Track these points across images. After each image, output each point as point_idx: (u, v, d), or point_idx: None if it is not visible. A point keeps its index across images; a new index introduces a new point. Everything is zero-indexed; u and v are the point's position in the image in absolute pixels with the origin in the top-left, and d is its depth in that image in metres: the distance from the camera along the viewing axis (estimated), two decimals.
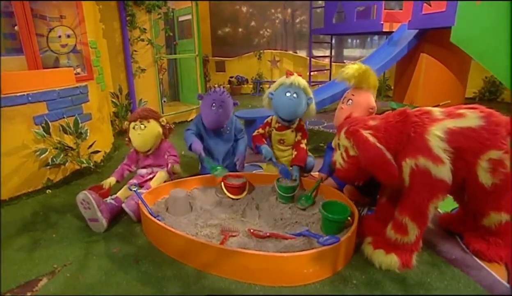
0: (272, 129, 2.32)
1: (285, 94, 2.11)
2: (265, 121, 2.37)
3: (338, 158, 1.60)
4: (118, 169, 2.21)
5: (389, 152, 1.42)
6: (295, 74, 2.15)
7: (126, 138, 2.23)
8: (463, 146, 1.39)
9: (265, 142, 2.31)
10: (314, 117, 2.21)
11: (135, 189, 1.95)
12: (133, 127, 2.14)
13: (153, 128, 2.16)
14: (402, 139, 1.43)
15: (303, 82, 2.13)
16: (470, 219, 1.64)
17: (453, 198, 1.67)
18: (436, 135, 1.39)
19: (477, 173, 1.42)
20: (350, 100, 1.86)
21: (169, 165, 2.24)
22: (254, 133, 2.36)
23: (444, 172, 1.37)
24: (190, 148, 2.29)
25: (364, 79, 1.85)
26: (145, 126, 2.13)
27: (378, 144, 1.42)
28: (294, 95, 2.09)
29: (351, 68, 1.87)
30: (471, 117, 1.43)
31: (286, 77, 2.15)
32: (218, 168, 2.17)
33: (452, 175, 1.39)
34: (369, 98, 1.86)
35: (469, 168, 1.43)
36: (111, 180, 2.12)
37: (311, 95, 2.19)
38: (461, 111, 1.47)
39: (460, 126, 1.42)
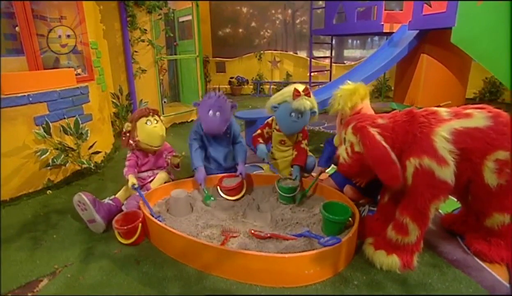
0: (273, 130, 2.30)
1: (290, 114, 2.06)
2: (266, 122, 2.35)
3: (342, 152, 1.58)
4: (127, 169, 2.11)
5: (394, 151, 1.41)
6: (302, 94, 2.02)
7: (135, 139, 2.09)
8: (469, 147, 1.39)
9: (261, 142, 2.30)
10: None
11: (136, 187, 1.95)
12: (146, 123, 2.11)
13: (162, 123, 2.21)
14: (408, 139, 1.43)
15: (309, 104, 2.05)
16: (472, 220, 1.63)
17: (456, 198, 1.66)
18: (442, 136, 1.38)
19: (483, 173, 1.41)
20: None
21: (168, 161, 2.23)
22: (253, 134, 2.36)
23: (447, 173, 1.37)
24: (193, 170, 2.24)
25: (355, 97, 1.83)
26: (157, 121, 2.16)
27: (384, 144, 1.41)
28: (299, 115, 2.07)
29: (342, 98, 1.85)
30: (479, 118, 1.42)
31: (294, 97, 2.03)
32: (211, 198, 2.10)
33: (457, 175, 1.38)
34: (367, 110, 1.85)
35: (474, 168, 1.42)
36: (133, 179, 2.00)
37: (316, 109, 2.13)
38: (468, 111, 1.46)
39: (466, 126, 1.40)
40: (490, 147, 1.38)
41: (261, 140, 2.32)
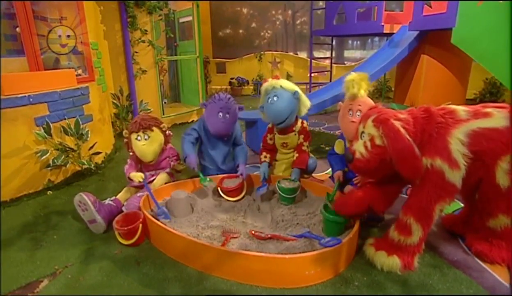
0: (275, 134, 2.29)
1: (268, 101, 2.09)
2: (267, 127, 2.34)
3: (359, 147, 1.49)
4: (128, 167, 2.17)
5: None
6: (270, 79, 2.13)
7: (130, 151, 2.18)
8: (484, 148, 1.37)
9: (265, 160, 2.28)
10: (310, 107, 2.18)
11: (144, 179, 2.01)
12: (136, 139, 2.09)
13: (157, 136, 2.14)
14: (424, 138, 1.41)
15: (277, 82, 2.08)
16: (474, 220, 1.62)
17: (461, 197, 1.65)
18: (458, 139, 1.37)
19: (495, 173, 1.39)
20: (359, 111, 1.83)
21: (171, 164, 2.25)
22: (261, 148, 2.35)
23: (457, 177, 1.36)
24: (185, 160, 2.24)
25: (365, 83, 1.87)
26: (149, 137, 2.09)
27: (408, 137, 1.37)
28: (275, 98, 2.06)
29: (356, 82, 1.84)
30: (498, 117, 1.40)
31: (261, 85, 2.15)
32: (207, 179, 2.14)
33: (468, 175, 1.37)
34: (371, 101, 1.88)
35: (487, 168, 1.40)
36: (137, 174, 2.07)
37: (296, 89, 2.11)
38: (488, 110, 1.43)
39: (484, 127, 1.38)
40: (506, 148, 1.36)
41: (263, 158, 2.29)
